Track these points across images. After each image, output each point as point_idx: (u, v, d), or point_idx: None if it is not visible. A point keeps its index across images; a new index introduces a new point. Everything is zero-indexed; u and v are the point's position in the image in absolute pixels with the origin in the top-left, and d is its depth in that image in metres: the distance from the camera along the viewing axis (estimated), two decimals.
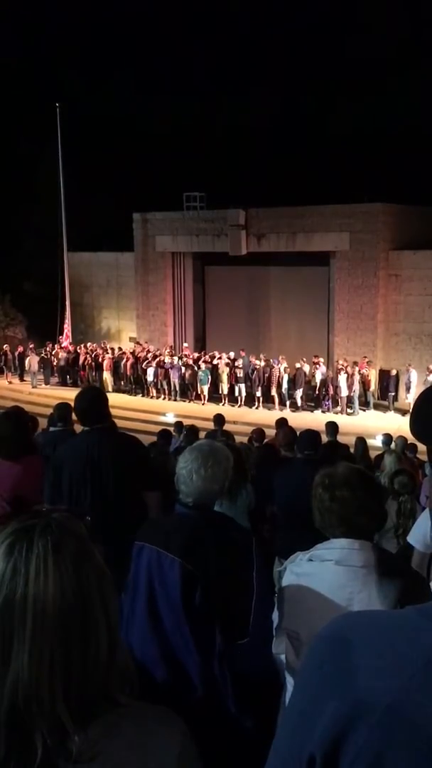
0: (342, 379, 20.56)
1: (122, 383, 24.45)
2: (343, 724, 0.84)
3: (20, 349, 27.11)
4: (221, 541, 2.53)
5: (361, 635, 0.91)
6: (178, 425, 13.28)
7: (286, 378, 21.36)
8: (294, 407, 21.23)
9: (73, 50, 34.74)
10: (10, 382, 26.46)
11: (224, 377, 22.18)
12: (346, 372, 20.65)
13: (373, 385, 21.40)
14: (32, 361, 25.70)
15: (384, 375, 21.45)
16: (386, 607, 2.06)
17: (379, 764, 0.82)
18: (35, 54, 33.77)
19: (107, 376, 24.35)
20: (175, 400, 22.94)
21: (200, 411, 20.14)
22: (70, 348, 26.71)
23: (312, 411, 21.06)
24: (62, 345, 27.10)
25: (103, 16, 35.04)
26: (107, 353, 25.23)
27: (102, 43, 34.80)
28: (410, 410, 1.05)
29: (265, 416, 19.10)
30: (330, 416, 17.97)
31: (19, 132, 31.42)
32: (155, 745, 1.13)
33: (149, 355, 24.24)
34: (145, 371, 23.54)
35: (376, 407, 21.18)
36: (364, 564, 2.19)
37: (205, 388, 22.32)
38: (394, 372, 20.92)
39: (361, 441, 10.92)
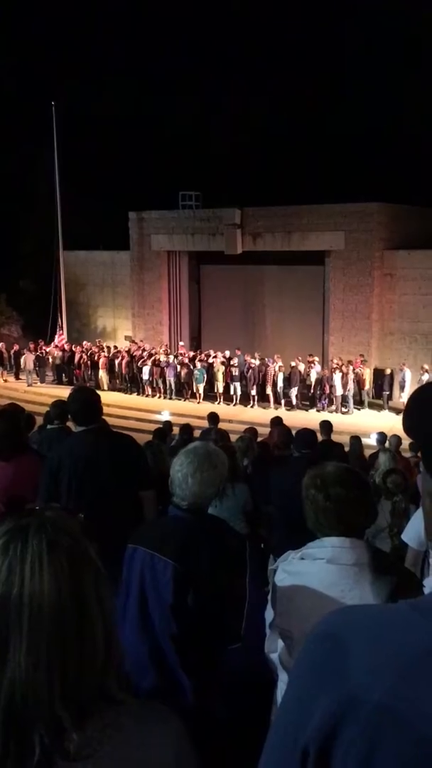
0: (337, 378, 20.59)
1: (118, 382, 24.42)
2: (335, 720, 0.85)
3: (16, 347, 27.08)
4: (215, 544, 2.52)
5: (355, 631, 0.91)
6: (167, 425, 13.26)
7: (281, 377, 21.39)
8: (289, 406, 21.26)
9: (69, 49, 34.65)
10: (5, 381, 26.45)
11: (220, 376, 22.18)
12: (341, 371, 20.68)
13: (368, 384, 21.42)
14: (28, 360, 25.66)
15: (378, 374, 21.48)
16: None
17: (369, 760, 0.82)
18: (30, 53, 33.67)
19: (103, 374, 24.34)
20: (171, 398, 22.93)
21: (196, 409, 20.13)
22: (66, 347, 26.64)
23: (307, 410, 21.09)
24: (56, 344, 26.94)
25: (99, 14, 34.96)
26: (103, 352, 25.20)
27: (98, 42, 34.71)
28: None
29: (260, 415, 19.11)
30: (324, 415, 17.99)
31: (14, 131, 31.32)
32: (153, 742, 1.13)
33: (145, 353, 24.23)
34: (140, 370, 23.53)
35: (371, 406, 21.20)
36: (356, 562, 2.18)
37: (201, 387, 22.33)
38: (388, 371, 20.95)
39: (356, 440, 10.93)
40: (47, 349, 26.69)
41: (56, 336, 27.52)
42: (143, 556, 2.52)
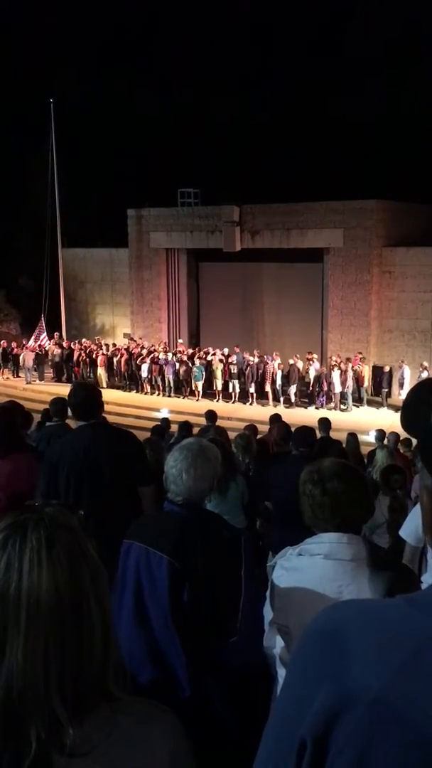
0: (335, 375, 20.59)
1: (116, 379, 24.42)
2: (332, 714, 0.84)
3: (15, 344, 27.04)
4: (210, 539, 2.53)
5: (352, 626, 0.91)
6: (165, 422, 13.31)
7: (279, 374, 21.39)
8: (288, 403, 21.25)
9: (68, 45, 34.61)
10: (7, 378, 26.44)
11: (218, 373, 22.17)
12: (340, 368, 20.69)
13: (367, 382, 21.43)
14: (27, 357, 25.64)
15: (377, 371, 21.49)
16: None
17: (366, 754, 0.82)
18: (28, 48, 33.61)
19: (101, 372, 24.32)
20: (170, 396, 22.92)
21: (194, 407, 20.12)
22: (44, 346, 26.45)
23: (305, 407, 21.09)
24: (31, 345, 26.55)
25: (97, 10, 34.89)
26: (101, 349, 25.19)
27: (96, 37, 34.65)
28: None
29: (258, 412, 19.11)
30: (323, 412, 18.00)
31: (12, 128, 31.26)
32: (149, 739, 1.14)
33: (143, 351, 24.22)
34: (139, 367, 23.52)
35: (370, 403, 21.20)
36: (353, 557, 2.19)
37: (200, 384, 22.33)
38: (387, 368, 20.96)
39: (352, 436, 10.95)
40: (45, 348, 26.67)
41: (32, 337, 26.93)
42: (139, 551, 2.53)
